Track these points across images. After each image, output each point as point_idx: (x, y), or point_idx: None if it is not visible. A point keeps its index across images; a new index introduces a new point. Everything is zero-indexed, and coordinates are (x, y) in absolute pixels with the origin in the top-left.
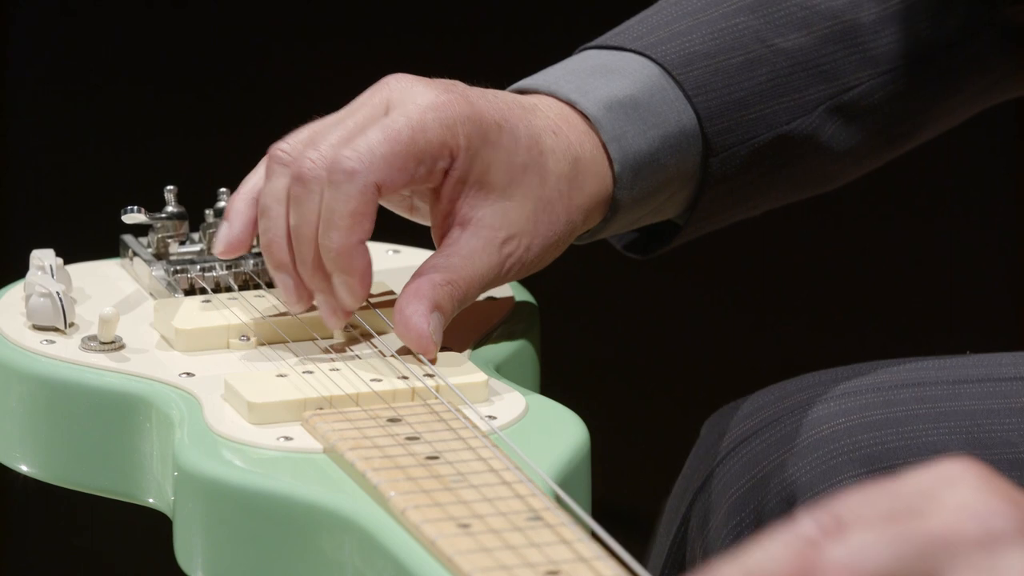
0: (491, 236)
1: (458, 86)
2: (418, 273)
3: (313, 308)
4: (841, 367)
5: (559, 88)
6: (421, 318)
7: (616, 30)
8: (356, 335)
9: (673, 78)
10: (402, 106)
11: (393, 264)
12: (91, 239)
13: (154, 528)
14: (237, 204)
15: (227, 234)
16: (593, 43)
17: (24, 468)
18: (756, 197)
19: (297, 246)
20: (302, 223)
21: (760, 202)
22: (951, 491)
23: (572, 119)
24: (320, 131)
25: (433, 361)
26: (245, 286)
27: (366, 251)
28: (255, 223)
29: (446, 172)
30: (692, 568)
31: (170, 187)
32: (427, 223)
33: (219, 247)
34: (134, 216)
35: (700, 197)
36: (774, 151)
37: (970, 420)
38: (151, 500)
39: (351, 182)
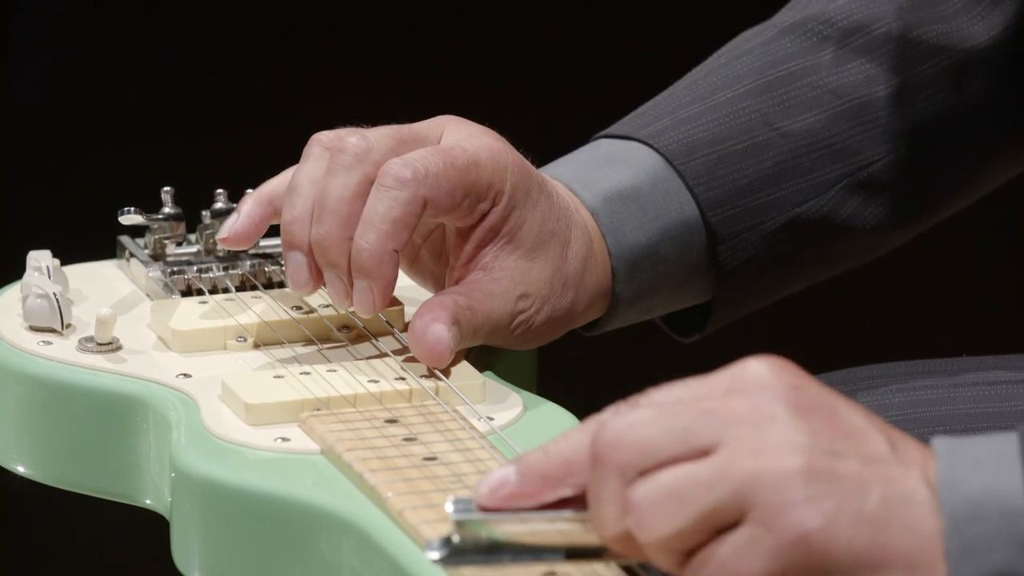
0: (509, 287)
1: (506, 140)
2: (438, 294)
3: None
4: (836, 371)
5: (562, 178)
6: (441, 327)
7: (628, 117)
8: (353, 336)
9: (674, 167)
10: (457, 140)
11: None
12: (88, 240)
13: (151, 529)
14: (250, 200)
15: (233, 223)
16: (605, 132)
17: (21, 469)
18: (783, 280)
19: (318, 213)
20: (330, 194)
21: (789, 284)
22: (742, 378)
23: (581, 208)
24: (368, 130)
25: (447, 374)
26: (242, 287)
27: (396, 262)
28: (263, 222)
29: (482, 216)
30: None
31: (167, 188)
32: (421, 282)
33: (223, 233)
34: (131, 217)
35: (718, 286)
36: (789, 234)
37: (966, 424)
38: (148, 501)
39: (401, 189)
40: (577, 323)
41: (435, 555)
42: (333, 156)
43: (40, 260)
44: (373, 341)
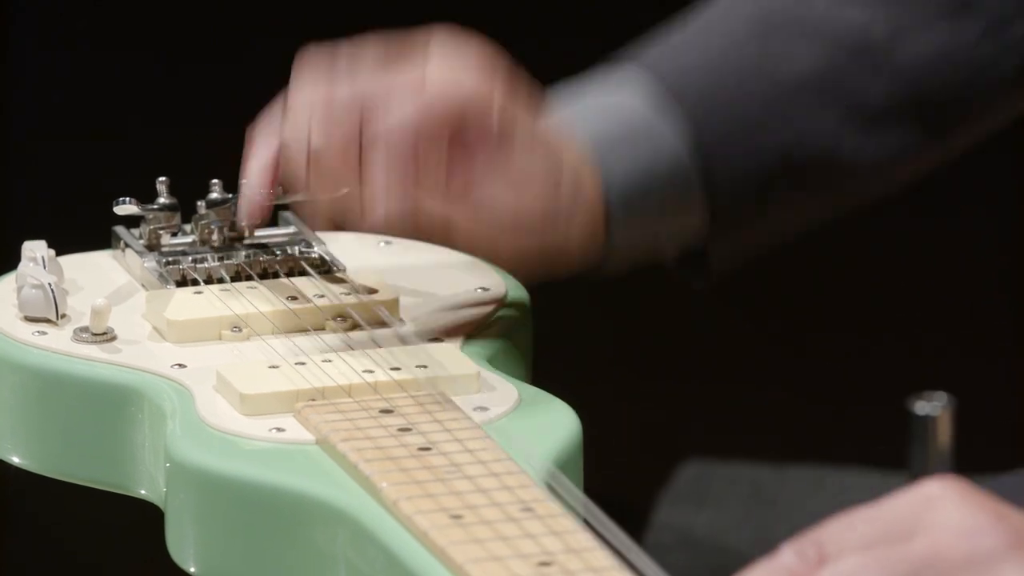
0: (501, 215)
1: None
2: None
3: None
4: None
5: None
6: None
7: (630, 52)
8: (349, 326)
9: (671, 104)
10: (441, 76)
11: (384, 256)
12: (83, 230)
13: (147, 520)
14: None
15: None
16: (612, 60)
17: (16, 459)
18: (783, 220)
19: (314, 171)
20: (322, 154)
21: (790, 224)
22: (934, 511)
23: (572, 141)
24: (357, 58)
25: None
26: (237, 277)
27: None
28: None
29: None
30: None
31: (162, 178)
32: (426, 239)
33: (242, 219)
34: (126, 207)
35: (715, 225)
36: (786, 173)
37: None
38: (143, 491)
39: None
40: (570, 258)
41: None
42: (324, 109)
43: (35, 250)
44: (369, 331)
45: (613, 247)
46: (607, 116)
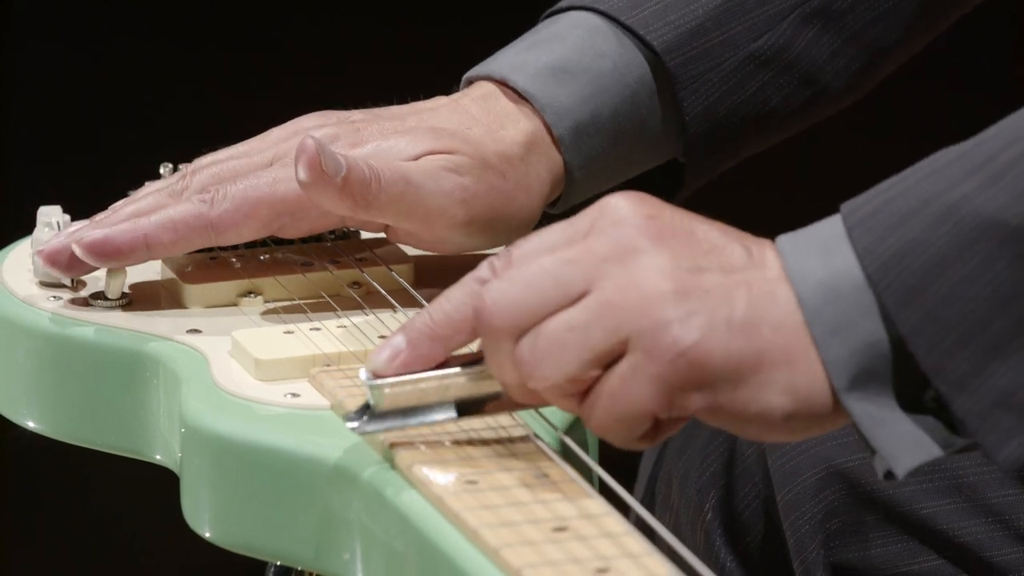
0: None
1: (344, 116)
2: None
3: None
4: None
5: (495, 70)
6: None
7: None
8: (363, 292)
9: (621, 24)
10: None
11: None
12: (98, 196)
13: (161, 485)
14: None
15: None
16: (550, 10)
17: (31, 424)
18: (750, 127)
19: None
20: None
21: (758, 132)
22: (600, 219)
23: (507, 99)
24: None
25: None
26: (251, 243)
27: None
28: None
29: None
30: (667, 490)
31: (165, 164)
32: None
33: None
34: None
35: (687, 134)
36: (748, 72)
37: None
38: (158, 457)
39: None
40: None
41: (354, 424)
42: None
43: (50, 216)
44: (384, 296)
45: (575, 175)
46: (548, 56)
